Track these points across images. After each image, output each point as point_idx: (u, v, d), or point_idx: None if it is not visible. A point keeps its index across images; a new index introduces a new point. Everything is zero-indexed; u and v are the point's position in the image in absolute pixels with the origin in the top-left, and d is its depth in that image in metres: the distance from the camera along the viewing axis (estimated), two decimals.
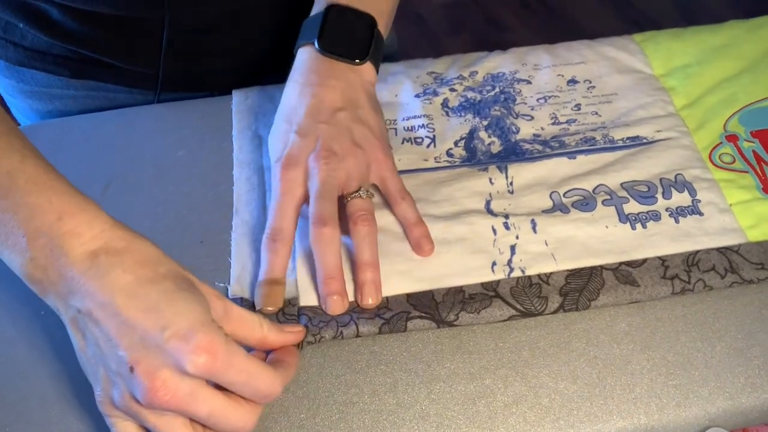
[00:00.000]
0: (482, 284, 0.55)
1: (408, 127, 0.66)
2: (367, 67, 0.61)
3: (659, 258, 0.56)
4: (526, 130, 0.65)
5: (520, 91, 0.68)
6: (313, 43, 0.60)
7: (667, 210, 0.59)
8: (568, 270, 0.56)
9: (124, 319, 0.42)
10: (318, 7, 0.62)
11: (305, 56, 0.60)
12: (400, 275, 0.56)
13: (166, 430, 0.44)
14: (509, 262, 0.56)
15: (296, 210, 0.56)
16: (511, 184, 0.61)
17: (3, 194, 0.44)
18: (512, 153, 0.63)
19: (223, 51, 0.75)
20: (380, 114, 0.61)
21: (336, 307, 0.53)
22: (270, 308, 0.54)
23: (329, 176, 0.55)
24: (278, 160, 0.57)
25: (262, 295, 0.54)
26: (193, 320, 0.43)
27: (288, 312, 0.54)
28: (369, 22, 0.61)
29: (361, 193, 0.56)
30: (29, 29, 0.70)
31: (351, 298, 0.54)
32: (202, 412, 0.43)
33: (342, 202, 0.56)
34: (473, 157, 0.63)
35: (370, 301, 0.54)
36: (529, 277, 0.55)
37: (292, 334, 0.51)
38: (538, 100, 0.68)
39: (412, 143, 0.65)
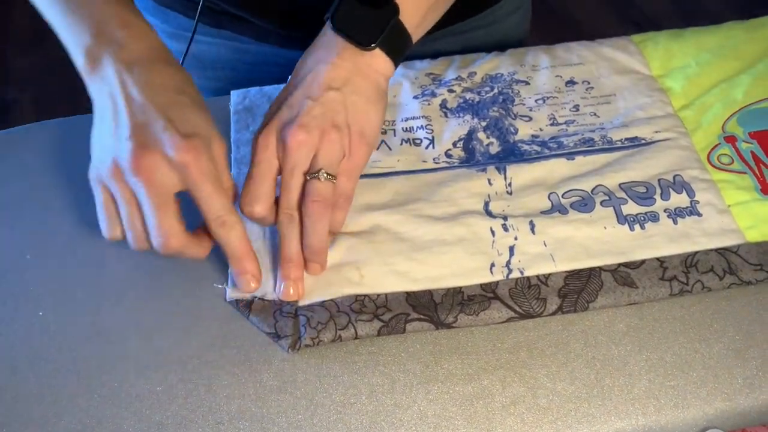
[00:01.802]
0: (481, 285, 0.55)
1: (407, 128, 0.66)
2: (379, 56, 0.58)
3: (658, 259, 0.56)
4: (524, 131, 0.65)
5: (519, 92, 0.68)
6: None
7: (665, 211, 0.59)
8: (566, 271, 0.56)
9: (141, 103, 0.52)
10: None
11: (324, 30, 0.59)
12: (399, 276, 0.56)
13: (126, 199, 0.52)
14: (508, 263, 0.56)
15: (274, 182, 0.56)
16: (510, 185, 0.61)
17: (83, 3, 0.55)
18: (511, 154, 0.63)
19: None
20: (379, 108, 0.58)
21: (290, 293, 0.55)
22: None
23: (296, 154, 0.55)
24: (261, 125, 0.57)
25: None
26: (195, 127, 0.52)
27: (285, 311, 0.54)
28: (390, 10, 0.58)
29: (320, 175, 0.55)
30: None
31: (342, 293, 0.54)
32: (154, 198, 0.51)
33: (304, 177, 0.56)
34: (472, 158, 0.63)
35: (315, 273, 0.57)
36: (528, 278, 0.55)
37: (206, 240, 0.55)
38: (536, 101, 0.68)
39: (410, 144, 0.65)
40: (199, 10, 0.70)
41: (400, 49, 0.59)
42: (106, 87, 0.53)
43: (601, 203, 0.59)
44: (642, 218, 0.58)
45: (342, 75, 0.57)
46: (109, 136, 0.52)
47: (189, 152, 0.50)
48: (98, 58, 0.53)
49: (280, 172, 0.56)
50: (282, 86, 0.70)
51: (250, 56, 0.80)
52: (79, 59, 0.54)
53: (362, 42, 0.57)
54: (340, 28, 0.57)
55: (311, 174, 0.55)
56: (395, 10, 0.58)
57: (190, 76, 0.55)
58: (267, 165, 0.55)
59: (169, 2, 0.78)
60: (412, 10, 0.59)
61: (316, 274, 0.56)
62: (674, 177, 0.60)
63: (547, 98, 0.68)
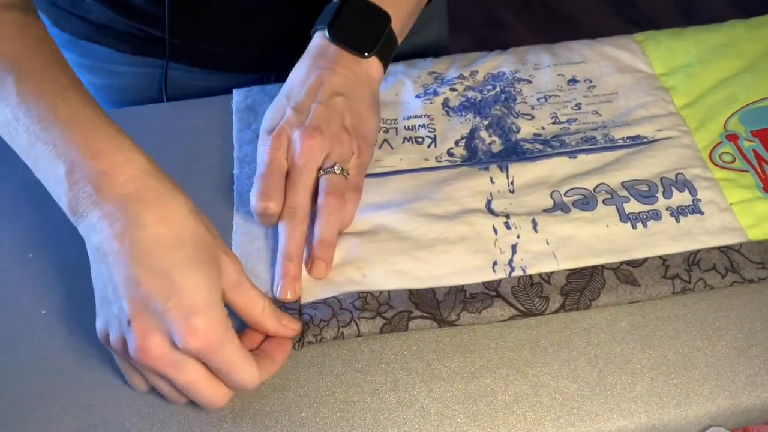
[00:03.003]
0: (483, 283, 0.55)
1: (409, 127, 0.66)
2: (374, 63, 0.62)
3: (660, 257, 0.56)
4: (526, 129, 0.65)
5: (521, 90, 0.68)
6: (325, 30, 0.61)
7: (667, 209, 0.59)
8: (569, 269, 0.56)
9: (132, 275, 0.44)
10: None
11: (318, 41, 0.62)
12: (401, 275, 0.56)
13: (146, 372, 0.47)
14: (510, 261, 0.56)
15: (284, 180, 0.57)
16: (512, 183, 0.61)
17: (44, 127, 0.47)
18: (513, 152, 0.63)
19: (275, 33, 0.75)
20: (376, 113, 0.62)
21: (287, 294, 0.54)
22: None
23: (309, 154, 0.56)
24: (268, 130, 0.59)
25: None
26: (198, 299, 0.45)
27: (291, 306, 0.54)
28: (383, 18, 0.62)
29: (335, 168, 0.57)
30: (95, 3, 0.72)
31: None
32: (181, 380, 0.46)
33: (316, 175, 0.58)
34: (474, 157, 0.63)
35: (319, 276, 0.56)
36: (531, 276, 0.55)
37: (287, 328, 0.51)
38: (538, 99, 0.68)
39: (413, 143, 0.65)
40: (167, 47, 0.72)
41: (390, 53, 0.63)
42: (94, 237, 0.46)
43: (604, 201, 0.59)
44: (644, 216, 0.58)
45: (343, 82, 0.60)
46: (106, 299, 0.46)
47: (196, 338, 0.44)
48: (77, 206, 0.46)
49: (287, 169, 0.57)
50: (283, 85, 0.70)
51: (179, 81, 0.78)
52: (61, 203, 0.48)
53: (362, 51, 0.61)
54: (338, 39, 0.61)
55: (326, 169, 0.57)
56: (388, 18, 0.62)
57: (185, 204, 0.47)
58: (279, 164, 0.57)
59: (87, 34, 0.75)
60: (397, 17, 0.63)
61: (321, 277, 0.56)
62: (676, 175, 0.60)
63: (549, 97, 0.68)
